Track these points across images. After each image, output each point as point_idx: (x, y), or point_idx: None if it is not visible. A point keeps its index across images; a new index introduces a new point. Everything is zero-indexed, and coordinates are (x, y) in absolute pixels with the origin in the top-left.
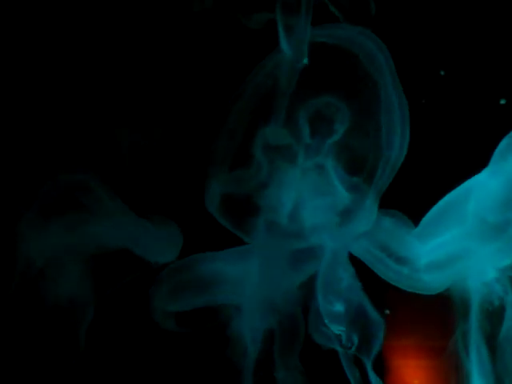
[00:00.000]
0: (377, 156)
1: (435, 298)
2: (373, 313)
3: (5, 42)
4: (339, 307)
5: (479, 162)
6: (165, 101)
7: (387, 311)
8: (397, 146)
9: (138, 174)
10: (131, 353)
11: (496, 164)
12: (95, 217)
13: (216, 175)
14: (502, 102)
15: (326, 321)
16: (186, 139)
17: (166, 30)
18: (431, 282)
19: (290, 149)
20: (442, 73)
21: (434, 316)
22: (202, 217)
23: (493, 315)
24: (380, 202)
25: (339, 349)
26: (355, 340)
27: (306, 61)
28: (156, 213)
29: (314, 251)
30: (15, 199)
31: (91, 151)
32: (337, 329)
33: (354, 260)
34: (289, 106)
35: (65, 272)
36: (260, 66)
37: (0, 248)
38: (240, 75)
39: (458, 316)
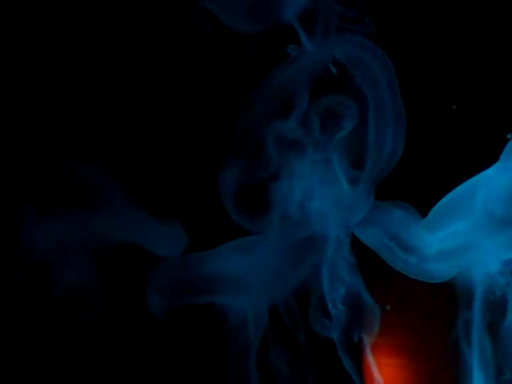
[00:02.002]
0: (370, 152)
1: (407, 297)
2: (370, 301)
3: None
4: (342, 291)
5: (486, 159)
6: (172, 97)
7: (388, 307)
8: (389, 144)
9: (145, 168)
10: (131, 346)
11: (506, 160)
12: (100, 209)
13: (230, 166)
14: None
15: (329, 306)
16: (192, 138)
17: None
18: (437, 271)
19: (300, 142)
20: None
21: (404, 315)
22: (207, 215)
23: (495, 306)
24: (388, 194)
25: (336, 338)
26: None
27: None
28: (161, 210)
29: (317, 240)
30: (19, 189)
31: (97, 142)
32: (338, 310)
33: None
34: (302, 101)
35: (69, 264)
36: (282, 64)
37: (4, 238)
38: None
39: (460, 306)
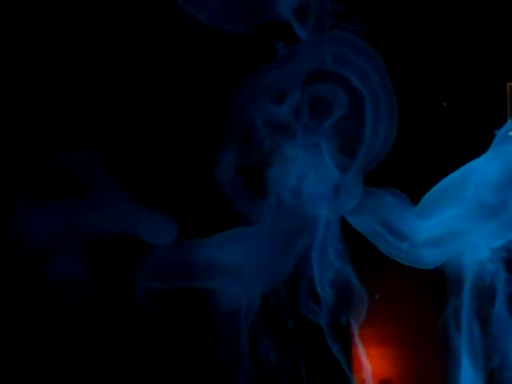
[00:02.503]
0: (362, 143)
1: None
2: (358, 286)
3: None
4: (331, 275)
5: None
6: (163, 89)
7: (377, 295)
8: (381, 137)
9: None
10: (122, 334)
11: (496, 148)
12: (92, 198)
13: (225, 150)
14: None
15: (318, 288)
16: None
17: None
18: (429, 256)
19: (289, 126)
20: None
21: (391, 306)
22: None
23: (484, 293)
24: (380, 183)
25: (324, 323)
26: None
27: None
28: (155, 200)
29: (308, 225)
30: (12, 179)
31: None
32: (326, 293)
33: None
34: (293, 87)
35: (61, 253)
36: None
37: None
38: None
39: (450, 293)
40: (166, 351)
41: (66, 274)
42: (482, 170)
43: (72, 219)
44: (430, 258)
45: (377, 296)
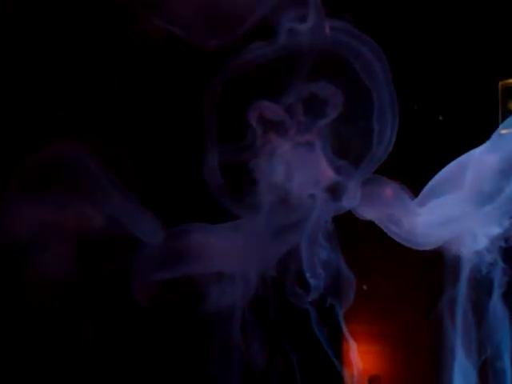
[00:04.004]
0: (366, 148)
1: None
2: (346, 271)
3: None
4: (321, 257)
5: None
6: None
7: (364, 287)
8: (385, 144)
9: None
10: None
11: (495, 141)
12: (85, 192)
13: (212, 147)
14: None
15: (307, 274)
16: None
17: None
18: (427, 237)
19: (282, 123)
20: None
21: (378, 303)
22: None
23: (481, 284)
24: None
25: (311, 308)
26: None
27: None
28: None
29: (299, 220)
30: (1, 172)
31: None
32: (316, 282)
33: None
34: (286, 84)
35: (49, 248)
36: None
37: None
38: None
39: (447, 282)
40: (159, 348)
41: (53, 270)
42: (480, 160)
43: (61, 213)
44: (428, 238)
45: (364, 287)
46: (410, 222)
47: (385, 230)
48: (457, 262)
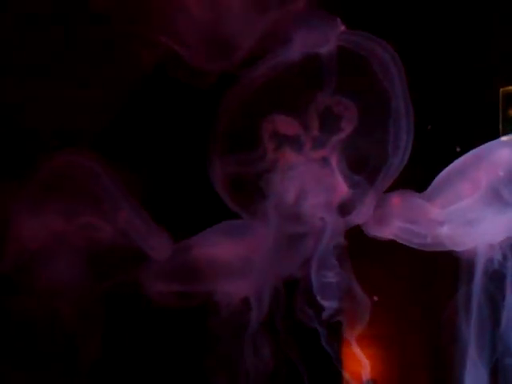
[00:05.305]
0: (381, 160)
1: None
2: (360, 294)
3: None
4: (331, 279)
5: None
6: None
7: (375, 298)
8: (401, 153)
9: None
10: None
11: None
12: (94, 203)
13: (219, 156)
14: None
15: (318, 296)
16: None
17: None
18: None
19: (297, 138)
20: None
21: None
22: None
23: (495, 280)
24: None
25: (319, 327)
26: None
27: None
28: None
29: (311, 233)
30: (11, 178)
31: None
32: (327, 303)
33: None
34: (302, 98)
35: (58, 257)
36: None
37: None
38: None
39: (462, 277)
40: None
41: (62, 280)
42: (493, 157)
43: (72, 224)
44: (450, 241)
45: (376, 298)
46: (432, 233)
47: (408, 244)
48: (471, 257)
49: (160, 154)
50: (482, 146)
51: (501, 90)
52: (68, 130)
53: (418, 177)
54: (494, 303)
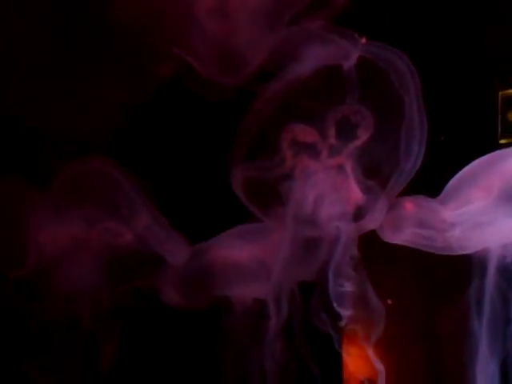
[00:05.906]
0: (393, 166)
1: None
2: (374, 300)
3: None
4: (348, 288)
5: None
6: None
7: (389, 301)
8: (413, 159)
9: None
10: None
11: None
12: (114, 208)
13: (239, 162)
14: None
15: (334, 304)
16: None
17: None
18: (461, 243)
19: (315, 146)
20: None
21: None
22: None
23: (507, 277)
24: None
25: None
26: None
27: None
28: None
29: (326, 240)
30: (31, 186)
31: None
32: (344, 311)
33: None
34: (320, 107)
35: (78, 263)
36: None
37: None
38: None
39: (474, 274)
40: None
41: (81, 285)
42: (505, 164)
43: (92, 229)
44: (462, 244)
45: (389, 301)
46: (443, 236)
47: (421, 249)
48: (483, 254)
49: (176, 159)
50: (495, 153)
51: (500, 93)
52: (84, 135)
53: (415, 180)
54: (506, 301)
